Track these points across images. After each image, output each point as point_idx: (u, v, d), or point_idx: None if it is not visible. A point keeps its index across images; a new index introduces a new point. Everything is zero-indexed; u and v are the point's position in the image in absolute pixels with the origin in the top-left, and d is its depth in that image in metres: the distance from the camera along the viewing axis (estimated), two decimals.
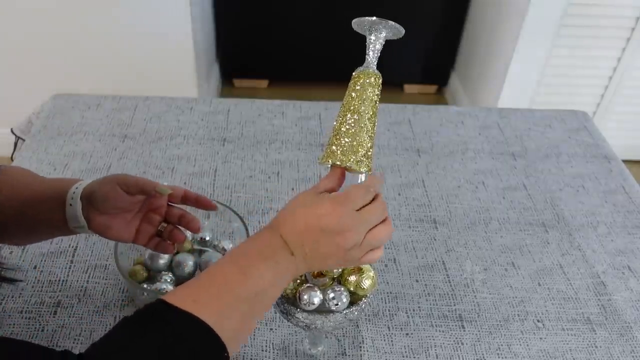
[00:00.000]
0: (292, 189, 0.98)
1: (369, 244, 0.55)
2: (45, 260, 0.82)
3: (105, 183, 0.65)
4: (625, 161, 1.14)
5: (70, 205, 0.64)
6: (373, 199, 0.56)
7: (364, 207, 0.55)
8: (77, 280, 0.79)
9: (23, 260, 0.81)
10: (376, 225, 0.56)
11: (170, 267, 0.78)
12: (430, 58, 2.61)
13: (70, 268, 0.81)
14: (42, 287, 0.78)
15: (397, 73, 2.62)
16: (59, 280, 0.79)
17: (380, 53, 0.61)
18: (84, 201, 0.64)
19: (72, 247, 0.84)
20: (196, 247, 0.83)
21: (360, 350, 0.73)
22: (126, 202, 0.65)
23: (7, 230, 0.66)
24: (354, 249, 0.55)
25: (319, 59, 2.56)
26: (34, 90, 1.60)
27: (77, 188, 0.65)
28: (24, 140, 1.10)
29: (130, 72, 2.02)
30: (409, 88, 2.75)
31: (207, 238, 0.83)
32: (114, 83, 1.98)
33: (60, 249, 0.84)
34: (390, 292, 0.81)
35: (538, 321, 0.79)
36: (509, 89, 2.12)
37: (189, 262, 0.78)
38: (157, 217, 0.70)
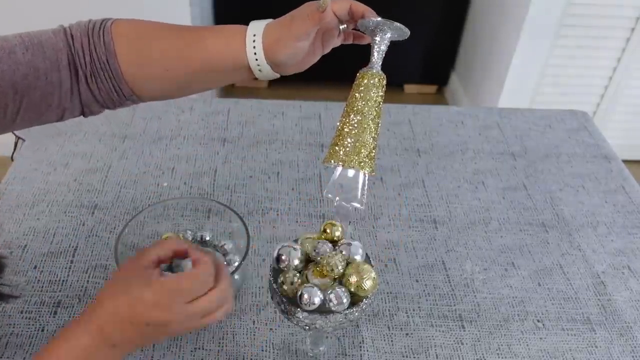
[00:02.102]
0: (292, 189, 0.98)
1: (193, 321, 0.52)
2: (45, 260, 0.82)
3: (284, 45, 0.61)
4: (625, 161, 1.14)
5: (260, 71, 0.62)
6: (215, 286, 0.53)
7: (199, 297, 0.51)
8: (77, 280, 0.79)
9: (23, 261, 0.81)
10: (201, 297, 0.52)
11: (170, 267, 0.78)
12: (430, 58, 2.61)
13: (70, 268, 0.81)
14: (42, 287, 0.78)
15: (397, 73, 2.62)
16: (59, 280, 0.79)
17: None
18: (271, 64, 0.62)
19: (72, 247, 0.84)
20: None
21: (360, 350, 0.73)
22: (308, 46, 0.63)
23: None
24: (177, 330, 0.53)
25: (318, 59, 2.56)
26: None
27: (256, 54, 0.61)
28: (24, 140, 1.10)
29: None
30: (409, 88, 2.75)
31: (207, 238, 0.84)
32: None
33: (60, 249, 0.84)
34: (390, 292, 0.81)
35: (538, 321, 0.79)
36: (509, 89, 2.12)
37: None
38: (333, 38, 0.67)
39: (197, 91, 0.70)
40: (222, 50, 0.62)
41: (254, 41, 0.61)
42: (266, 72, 0.63)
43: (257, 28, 0.62)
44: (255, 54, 0.61)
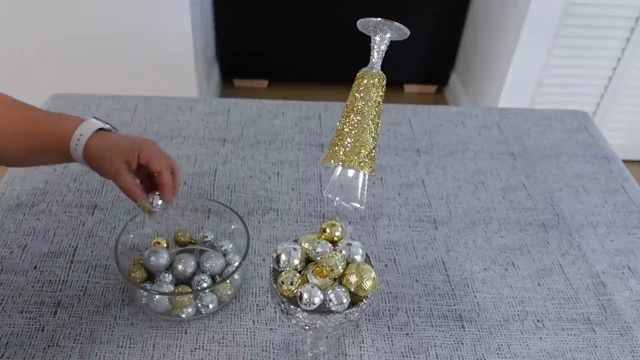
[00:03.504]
0: (292, 189, 0.98)
1: None
2: (45, 260, 0.82)
3: (112, 166, 0.70)
4: (625, 161, 1.14)
5: (79, 161, 0.71)
6: None
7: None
8: (77, 280, 0.79)
9: (23, 260, 0.81)
10: None
11: (170, 267, 0.78)
12: (430, 58, 2.61)
13: (70, 268, 0.81)
14: (42, 287, 0.78)
15: (397, 73, 2.62)
16: (59, 280, 0.79)
17: None
18: (88, 161, 0.71)
19: (72, 247, 0.84)
20: (197, 247, 0.83)
21: (360, 350, 0.73)
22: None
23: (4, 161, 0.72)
24: None
25: (318, 59, 2.56)
26: (34, 90, 1.60)
27: (76, 150, 0.70)
28: None
29: (130, 72, 2.02)
30: (409, 88, 2.75)
31: (208, 238, 0.84)
32: (114, 83, 1.98)
33: (60, 249, 0.84)
34: (390, 292, 0.81)
35: (538, 321, 0.79)
36: (509, 89, 2.12)
37: (189, 261, 0.78)
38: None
39: (36, 165, 0.82)
40: (51, 141, 0.71)
41: (77, 141, 0.70)
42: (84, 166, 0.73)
43: (85, 130, 0.71)
44: (76, 150, 0.70)
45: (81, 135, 0.70)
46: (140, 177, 0.74)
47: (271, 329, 0.75)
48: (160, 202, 0.74)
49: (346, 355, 0.73)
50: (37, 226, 0.87)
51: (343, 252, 0.61)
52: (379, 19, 0.59)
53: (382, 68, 0.61)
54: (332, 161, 0.58)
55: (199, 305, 0.74)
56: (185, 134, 1.10)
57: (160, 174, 0.73)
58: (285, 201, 0.95)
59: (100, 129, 0.73)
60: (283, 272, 0.60)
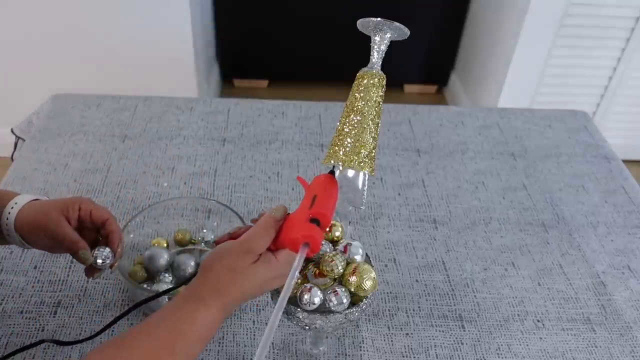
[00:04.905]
0: (292, 189, 0.98)
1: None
2: (45, 260, 0.82)
3: (50, 219, 0.64)
4: (625, 161, 1.14)
5: (9, 235, 0.65)
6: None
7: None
8: (77, 280, 0.79)
9: (23, 260, 0.81)
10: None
11: (170, 267, 0.78)
12: (430, 58, 2.61)
13: (70, 268, 0.81)
14: (42, 287, 0.78)
15: (397, 73, 2.62)
16: (59, 280, 0.79)
17: None
18: (20, 233, 0.64)
19: None
20: (197, 247, 0.83)
21: (360, 350, 0.73)
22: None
23: None
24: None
25: (318, 59, 2.56)
26: (34, 90, 1.60)
27: (8, 219, 0.64)
28: (24, 140, 1.10)
29: (130, 72, 2.02)
30: (409, 88, 2.75)
31: (208, 238, 0.84)
32: (114, 83, 1.98)
33: None
34: (390, 292, 0.81)
35: (538, 321, 0.79)
36: (509, 89, 2.12)
37: (189, 262, 0.78)
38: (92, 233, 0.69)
39: None
40: None
41: (10, 210, 0.64)
42: (15, 241, 0.66)
43: (20, 199, 0.65)
44: (7, 219, 0.64)
45: (15, 203, 0.65)
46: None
47: None
48: (109, 255, 0.66)
49: (346, 355, 0.73)
50: None
51: (343, 252, 0.61)
52: (379, 19, 0.59)
53: (382, 68, 0.61)
54: (332, 161, 0.58)
55: None
56: (185, 134, 1.10)
57: (108, 221, 0.67)
58: (285, 201, 0.95)
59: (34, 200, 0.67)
60: None
